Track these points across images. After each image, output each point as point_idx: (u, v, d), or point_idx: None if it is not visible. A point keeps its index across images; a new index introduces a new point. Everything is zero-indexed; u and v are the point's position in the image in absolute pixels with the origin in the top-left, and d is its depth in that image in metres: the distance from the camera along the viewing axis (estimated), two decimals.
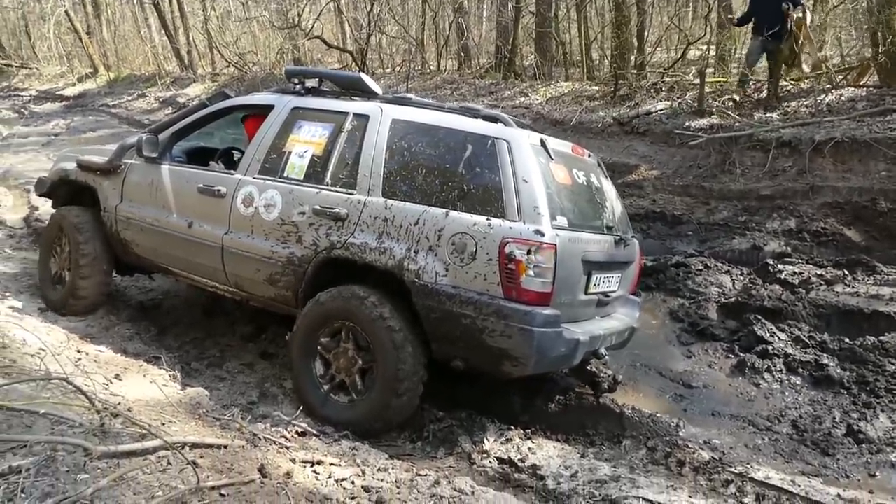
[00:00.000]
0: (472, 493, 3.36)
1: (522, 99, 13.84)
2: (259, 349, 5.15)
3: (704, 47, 14.15)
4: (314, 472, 3.36)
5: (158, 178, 4.84)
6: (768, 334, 5.37)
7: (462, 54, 18.74)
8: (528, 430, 4.26)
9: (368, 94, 4.63)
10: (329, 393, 4.07)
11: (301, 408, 3.96)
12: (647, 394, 4.82)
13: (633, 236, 4.78)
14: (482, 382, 4.50)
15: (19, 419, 2.90)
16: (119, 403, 3.53)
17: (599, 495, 3.53)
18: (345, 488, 3.25)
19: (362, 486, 3.27)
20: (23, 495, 2.40)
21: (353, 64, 20.53)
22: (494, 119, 4.18)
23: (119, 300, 5.84)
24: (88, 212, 5.22)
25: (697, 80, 10.95)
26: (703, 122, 10.16)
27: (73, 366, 4.08)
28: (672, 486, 3.59)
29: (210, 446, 3.25)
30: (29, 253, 7.41)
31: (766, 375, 4.97)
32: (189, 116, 5.10)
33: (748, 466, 3.82)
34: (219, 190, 4.52)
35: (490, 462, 3.92)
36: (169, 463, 2.89)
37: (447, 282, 3.73)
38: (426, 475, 3.50)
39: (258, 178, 4.42)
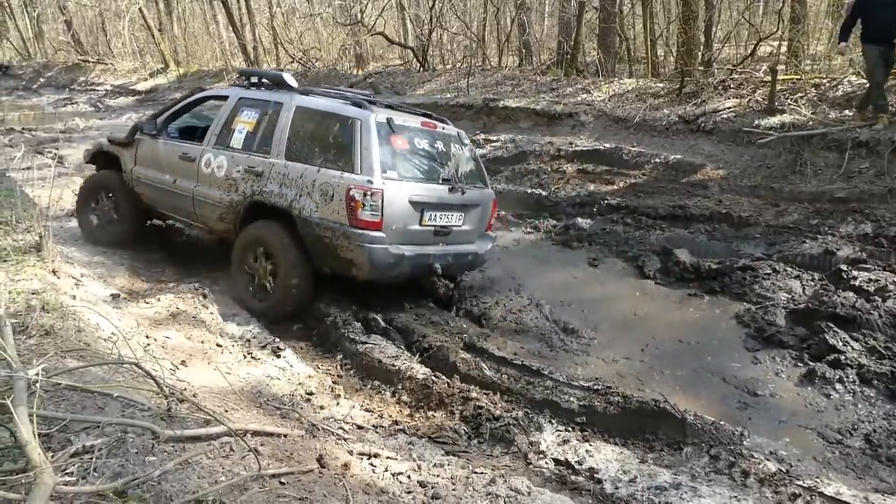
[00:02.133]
0: (529, 493, 3.33)
1: (584, 96, 13.63)
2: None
3: (776, 43, 13.64)
4: (371, 464, 3.38)
5: (156, 149, 6.65)
6: (841, 343, 5.13)
7: (523, 50, 18.59)
8: (586, 432, 4.19)
9: (288, 88, 6.16)
10: (253, 292, 5.80)
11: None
12: (710, 400, 4.67)
13: (479, 187, 6.29)
14: None
15: (93, 401, 3.01)
16: (185, 389, 3.63)
17: (659, 502, 3.45)
18: (401, 482, 3.26)
19: (418, 481, 3.28)
20: (95, 474, 2.48)
21: (415, 60, 20.64)
22: (359, 104, 5.65)
23: None
24: (116, 174, 6.97)
25: (768, 78, 10.56)
26: (774, 120, 9.79)
27: (143, 351, 4.22)
28: (735, 497, 3.47)
29: (271, 434, 3.32)
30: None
31: (838, 386, 4.75)
32: (177, 105, 6.97)
33: (817, 480, 3.65)
34: (191, 156, 6.32)
35: (547, 463, 3.87)
36: (232, 449, 2.96)
37: (317, 215, 5.41)
38: (482, 473, 3.48)
39: (214, 148, 6.21)
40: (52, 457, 2.43)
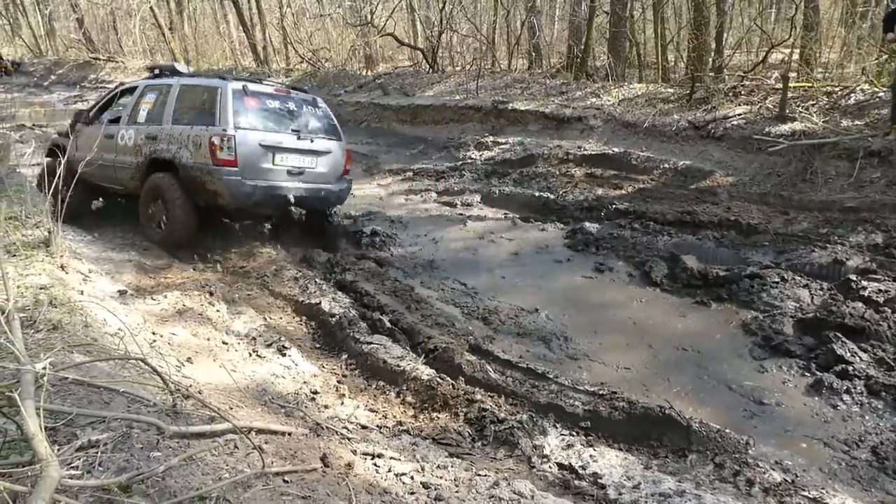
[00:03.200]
0: (532, 497, 3.32)
1: (594, 100, 13.62)
2: None
3: (788, 50, 13.60)
4: (374, 464, 3.38)
5: (90, 133, 8.04)
6: (849, 354, 5.09)
7: (533, 53, 18.60)
8: (591, 437, 4.17)
9: (180, 74, 8.18)
10: (154, 229, 7.35)
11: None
12: (715, 408, 4.64)
13: (332, 139, 7.82)
14: None
15: (99, 395, 3.02)
16: (190, 386, 3.63)
17: None
18: (404, 483, 3.25)
19: (421, 482, 3.27)
20: (100, 468, 2.49)
21: (424, 61, 20.66)
22: (223, 77, 7.44)
23: None
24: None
25: (779, 85, 10.53)
26: (785, 128, 9.76)
27: (149, 347, 4.23)
28: None
29: (275, 433, 3.31)
30: (112, 236, 7.75)
31: (845, 397, 4.71)
32: (104, 98, 8.80)
33: (823, 492, 3.62)
34: (112, 134, 7.89)
35: (550, 467, 3.85)
36: (236, 447, 2.95)
37: (192, 161, 6.95)
38: (486, 475, 3.47)
39: (127, 126, 7.83)
40: (59, 450, 2.44)
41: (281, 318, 5.93)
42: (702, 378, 5.06)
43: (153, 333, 4.56)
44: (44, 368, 2.43)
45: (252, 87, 7.35)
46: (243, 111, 7.03)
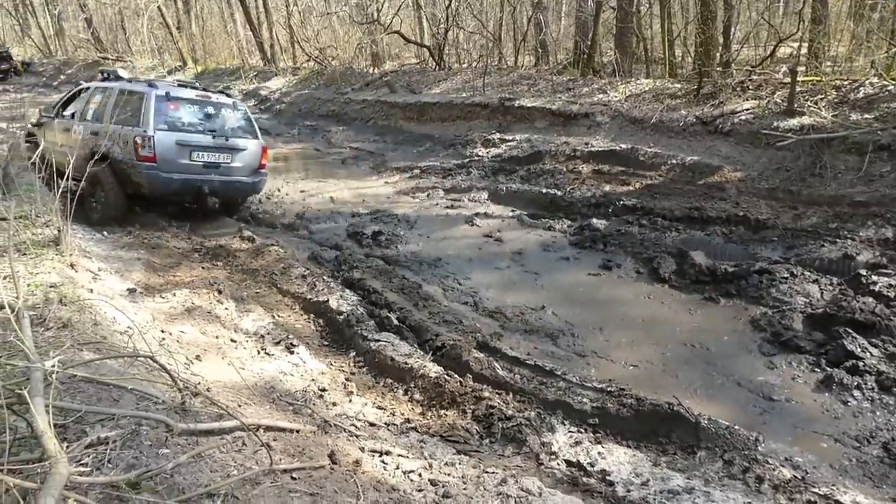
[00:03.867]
0: (540, 494, 3.31)
1: (601, 96, 13.57)
2: None
3: (796, 44, 13.50)
4: (382, 461, 3.38)
5: (53, 127, 9.45)
6: (859, 349, 5.06)
7: (539, 50, 18.55)
8: (599, 434, 4.16)
9: (119, 79, 9.34)
10: (93, 209, 8.15)
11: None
12: (724, 404, 4.62)
13: (247, 138, 8.75)
14: None
15: (108, 393, 3.03)
16: (199, 383, 3.65)
17: None
18: (412, 480, 3.25)
19: (429, 480, 3.27)
20: (109, 465, 2.50)
21: (431, 58, 20.64)
22: (152, 85, 8.43)
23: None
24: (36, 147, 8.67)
25: (788, 79, 10.46)
26: (793, 122, 9.69)
27: (158, 345, 4.24)
28: (749, 502, 3.43)
29: (283, 430, 3.32)
30: (120, 234, 7.79)
31: (856, 393, 4.68)
32: (65, 96, 9.91)
33: (833, 488, 3.60)
34: (69, 128, 9.02)
35: (558, 464, 3.85)
36: (244, 444, 2.96)
37: (121, 156, 7.94)
38: (493, 472, 3.47)
39: (80, 121, 8.86)
40: (68, 447, 2.45)
41: (289, 315, 5.94)
42: (711, 374, 5.04)
43: (162, 331, 4.58)
44: (53, 366, 2.45)
45: (174, 93, 8.33)
46: (164, 114, 8.07)
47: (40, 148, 6.64)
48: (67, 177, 6.66)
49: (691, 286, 6.64)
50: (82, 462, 2.46)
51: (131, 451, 2.60)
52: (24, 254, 4.77)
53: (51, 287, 4.10)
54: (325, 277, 6.64)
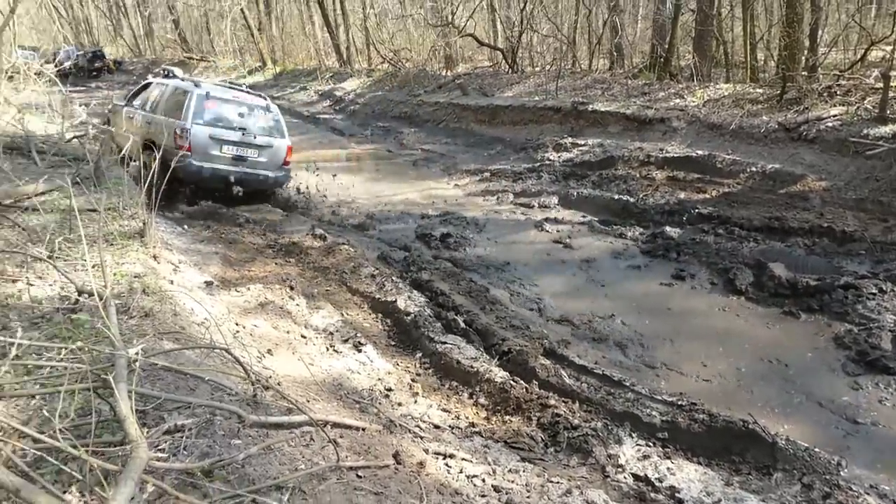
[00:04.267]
0: None
1: (677, 101, 13.23)
2: None
3: (889, 47, 12.78)
4: (446, 464, 3.38)
5: (122, 114, 10.70)
6: None
7: (615, 53, 18.23)
8: (668, 449, 4.04)
9: (174, 77, 10.43)
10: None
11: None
12: (803, 425, 4.41)
13: (275, 137, 9.68)
14: None
15: (185, 382, 3.14)
16: (270, 377, 3.74)
17: None
18: (475, 485, 3.24)
19: (493, 486, 3.25)
20: (185, 452, 2.59)
21: (504, 61, 20.60)
22: (197, 84, 9.46)
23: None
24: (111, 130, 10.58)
25: (880, 84, 9.92)
26: (885, 129, 9.18)
27: (233, 337, 4.38)
28: None
29: (350, 427, 3.37)
30: (200, 229, 8.09)
31: None
32: (136, 88, 11.21)
33: None
34: (132, 116, 10.27)
35: (625, 477, 3.76)
36: (312, 439, 3.01)
37: (170, 144, 8.34)
38: (558, 482, 3.42)
39: (140, 111, 10.09)
40: (147, 433, 2.55)
41: (357, 314, 6.03)
42: (789, 392, 4.82)
43: (236, 324, 4.72)
44: (136, 354, 2.55)
45: (214, 93, 9.30)
46: (202, 111, 9.04)
47: (129, 143, 7.28)
48: (127, 159, 7.81)
49: (770, 299, 6.37)
50: (160, 447, 2.56)
51: (205, 440, 2.68)
52: (112, 244, 5.01)
53: (135, 277, 4.29)
54: (393, 278, 6.70)
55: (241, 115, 9.44)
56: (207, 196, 9.45)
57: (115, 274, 4.30)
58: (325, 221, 9.32)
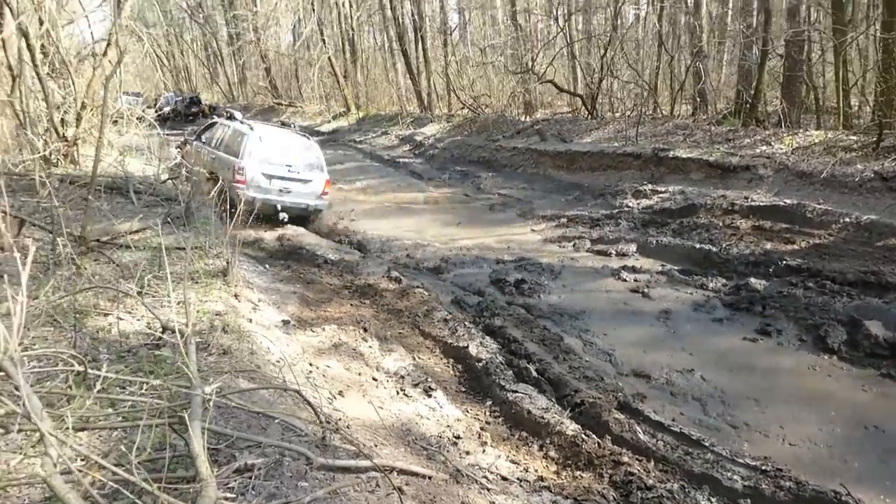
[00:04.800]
0: None
1: (763, 148, 12.81)
2: None
3: None
4: None
5: (192, 148, 12.42)
6: None
7: (698, 99, 17.90)
8: None
9: (234, 119, 12.01)
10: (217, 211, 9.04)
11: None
12: None
13: (315, 172, 11.35)
14: None
15: (257, 421, 3.20)
16: (340, 419, 3.77)
17: None
18: None
19: None
20: (253, 492, 2.62)
21: (583, 107, 20.58)
22: (252, 128, 11.23)
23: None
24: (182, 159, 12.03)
25: None
26: None
27: (305, 378, 4.46)
28: None
29: (416, 474, 3.33)
30: (280, 269, 8.35)
31: None
32: (203, 127, 13.13)
33: None
34: (199, 150, 11.89)
35: None
36: (378, 485, 3.00)
37: (229, 178, 10.23)
38: None
39: (206, 147, 11.87)
40: (218, 470, 2.60)
41: (429, 358, 6.02)
42: (887, 462, 4.46)
43: (310, 364, 4.80)
44: (211, 392, 2.62)
45: (266, 135, 11.24)
46: (255, 151, 10.81)
47: (218, 184, 8.42)
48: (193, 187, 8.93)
49: (865, 360, 5.97)
50: (229, 486, 2.60)
51: (273, 481, 2.71)
52: (197, 282, 5.23)
53: (216, 315, 4.45)
54: (466, 323, 6.68)
55: (286, 153, 11.22)
56: (258, 219, 10.14)
57: (197, 311, 4.47)
58: (400, 264, 9.43)
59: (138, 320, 4.30)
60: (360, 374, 5.05)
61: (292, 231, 11.52)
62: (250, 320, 4.89)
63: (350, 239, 10.99)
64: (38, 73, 9.71)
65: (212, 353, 3.83)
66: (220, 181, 9.65)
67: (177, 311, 4.57)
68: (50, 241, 6.04)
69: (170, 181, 9.60)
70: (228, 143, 11.22)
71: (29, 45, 9.45)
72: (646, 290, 8.06)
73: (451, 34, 33.08)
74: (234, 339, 4.15)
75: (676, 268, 8.91)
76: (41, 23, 9.90)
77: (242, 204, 9.45)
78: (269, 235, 10.77)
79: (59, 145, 9.98)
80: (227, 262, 5.54)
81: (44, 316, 3.99)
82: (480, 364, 5.71)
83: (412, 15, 29.70)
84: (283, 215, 10.78)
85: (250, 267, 7.92)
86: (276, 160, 10.92)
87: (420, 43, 29.13)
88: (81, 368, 2.88)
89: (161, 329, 3.80)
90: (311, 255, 9.32)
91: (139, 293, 4.61)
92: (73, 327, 3.54)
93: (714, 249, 9.53)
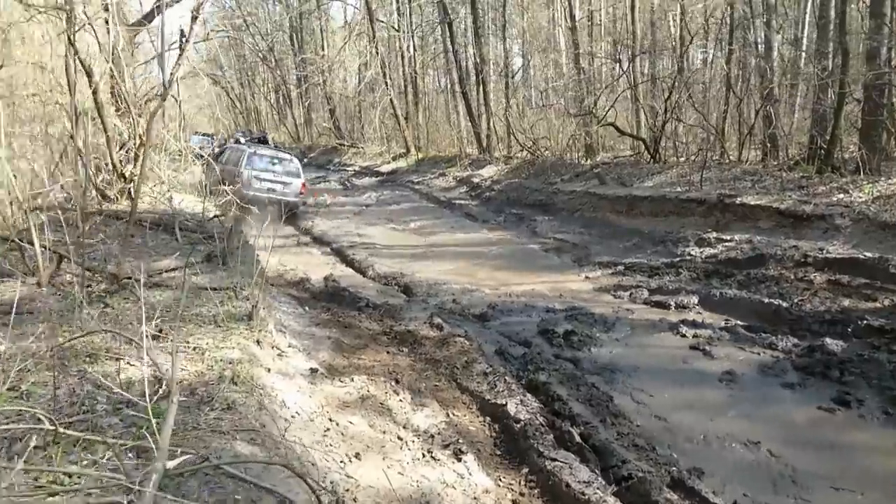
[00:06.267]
0: None
1: (840, 196, 11.99)
2: None
3: None
4: None
5: (217, 165, 12.46)
6: None
7: (768, 144, 17.11)
8: None
9: (240, 142, 21.02)
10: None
11: None
12: None
13: (295, 177, 17.58)
14: None
15: (246, 492, 2.82)
16: (348, 490, 3.37)
17: None
18: None
19: None
20: None
21: (646, 151, 20.01)
22: (248, 146, 18.43)
23: None
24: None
25: None
26: None
27: (321, 436, 4.09)
28: None
29: None
30: (319, 311, 8.09)
31: None
32: (220, 148, 20.01)
33: None
34: (218, 169, 12.52)
35: None
36: None
37: (230, 180, 13.21)
38: None
39: (221, 165, 15.44)
40: None
41: (464, 415, 5.57)
42: None
43: (329, 420, 4.44)
44: (172, 467, 2.28)
45: (258, 151, 17.39)
46: (250, 162, 16.66)
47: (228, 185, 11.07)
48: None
49: None
50: None
51: None
52: (219, 326, 4.97)
53: (229, 363, 4.15)
54: (507, 378, 6.20)
55: (273, 163, 17.08)
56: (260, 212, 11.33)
57: (208, 359, 4.19)
58: (445, 309, 9.04)
59: (148, 367, 4.04)
60: (384, 433, 4.64)
61: (339, 272, 11.35)
62: (269, 370, 4.57)
63: (397, 281, 10.71)
64: (99, 113, 9.92)
65: (214, 407, 3.51)
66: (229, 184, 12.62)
67: (190, 357, 4.31)
68: (89, 277, 5.94)
69: (216, 218, 9.53)
70: (233, 158, 17.20)
71: (93, 86, 9.66)
72: (707, 347, 7.41)
73: (512, 77, 33.14)
74: (244, 393, 3.82)
75: (742, 324, 8.19)
76: (110, 65, 10.09)
77: (240, 199, 10.63)
78: (315, 275, 10.61)
79: (116, 181, 10.10)
80: (254, 306, 5.27)
81: (54, 358, 3.77)
82: (518, 425, 5.21)
83: (475, 58, 29.88)
84: (270, 207, 12.66)
85: (289, 309, 7.69)
86: (264, 168, 16.80)
87: (482, 86, 29.21)
88: (52, 427, 2.59)
89: (157, 381, 3.51)
90: (353, 298, 9.06)
91: (156, 337, 4.37)
92: (53, 378, 3.27)
93: (785, 305, 8.76)
